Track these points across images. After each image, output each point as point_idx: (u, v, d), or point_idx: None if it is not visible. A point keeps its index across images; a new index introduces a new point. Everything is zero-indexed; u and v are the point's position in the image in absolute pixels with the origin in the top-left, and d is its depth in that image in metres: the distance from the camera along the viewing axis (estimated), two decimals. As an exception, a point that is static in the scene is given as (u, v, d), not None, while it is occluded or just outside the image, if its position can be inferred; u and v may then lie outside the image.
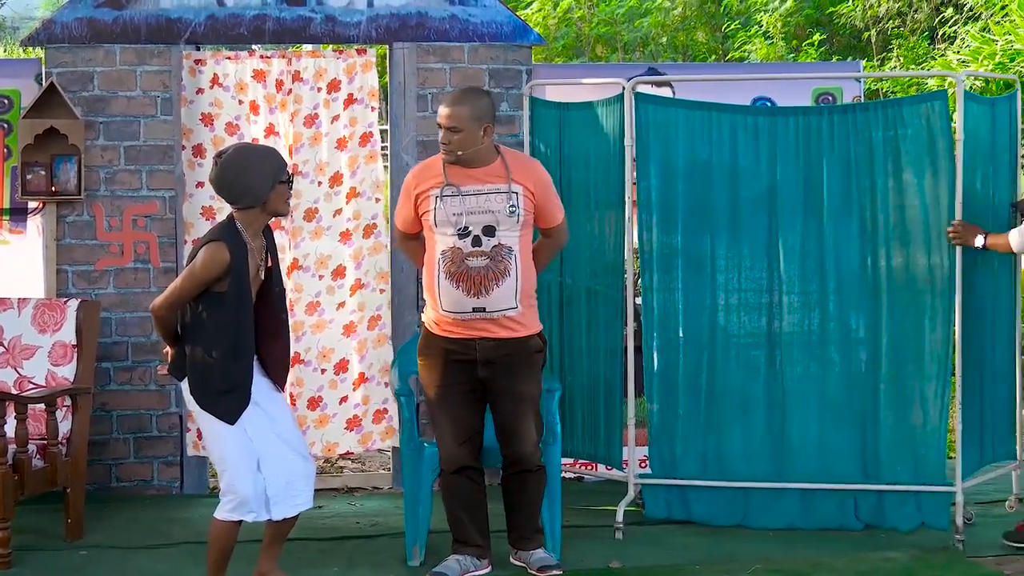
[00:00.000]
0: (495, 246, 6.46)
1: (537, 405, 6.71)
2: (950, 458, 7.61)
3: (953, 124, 7.35)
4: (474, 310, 6.47)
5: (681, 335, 7.71)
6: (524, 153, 6.82)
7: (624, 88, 7.63)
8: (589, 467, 8.29)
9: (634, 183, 7.62)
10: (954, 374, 7.38)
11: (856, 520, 7.54)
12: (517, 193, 6.51)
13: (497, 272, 6.45)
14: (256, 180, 5.92)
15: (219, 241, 5.87)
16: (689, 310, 7.69)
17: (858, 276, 7.53)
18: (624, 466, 7.82)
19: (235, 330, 5.93)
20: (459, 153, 6.49)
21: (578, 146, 7.89)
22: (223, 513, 6.00)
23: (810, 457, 7.60)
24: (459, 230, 6.47)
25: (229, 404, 5.94)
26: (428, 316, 6.69)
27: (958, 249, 7.27)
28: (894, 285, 7.48)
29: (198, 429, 8.30)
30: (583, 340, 7.92)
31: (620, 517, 7.49)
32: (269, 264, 6.12)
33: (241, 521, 6.02)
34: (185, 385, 6.00)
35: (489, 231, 6.46)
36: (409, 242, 6.88)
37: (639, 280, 7.74)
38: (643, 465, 7.96)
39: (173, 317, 5.92)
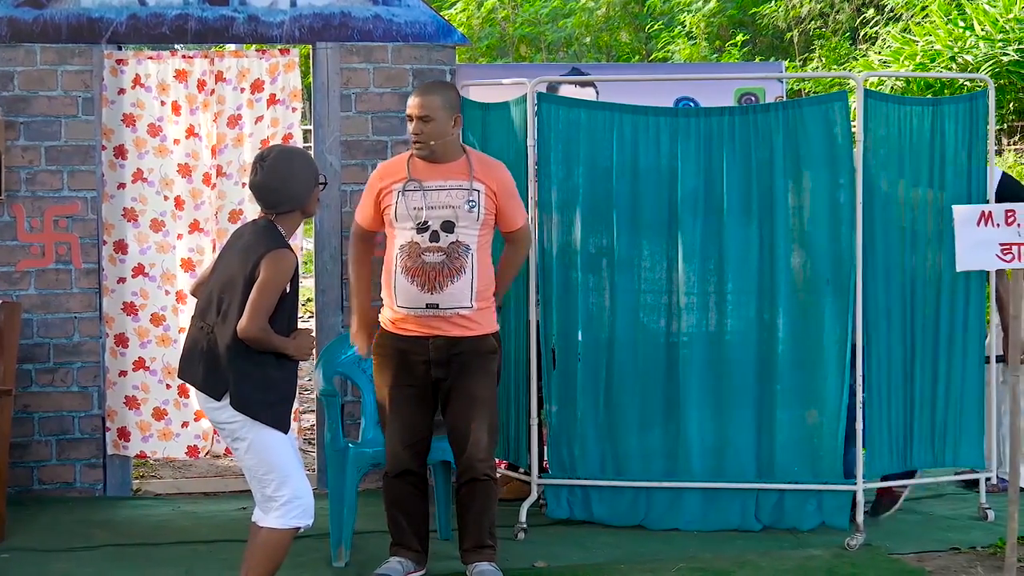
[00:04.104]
0: (453, 243, 6.43)
1: (492, 410, 6.60)
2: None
3: (854, 125, 7.43)
4: (427, 306, 6.43)
5: (580, 335, 7.72)
6: (488, 155, 6.79)
7: (528, 88, 7.65)
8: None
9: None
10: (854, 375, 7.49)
11: (756, 521, 7.59)
12: (479, 191, 6.49)
13: (452, 269, 6.42)
14: (301, 184, 5.85)
15: (281, 248, 5.74)
16: (588, 310, 7.70)
17: (756, 277, 7.58)
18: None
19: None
20: (432, 143, 6.46)
21: (496, 146, 7.90)
22: (286, 521, 5.77)
23: (708, 458, 7.65)
24: (418, 224, 6.44)
25: (285, 411, 5.82)
26: (384, 315, 6.65)
27: (858, 251, 7.35)
28: (792, 285, 7.55)
29: (118, 429, 8.28)
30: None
31: (523, 517, 7.51)
32: None
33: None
34: (219, 404, 5.73)
35: (448, 227, 6.43)
36: (361, 243, 6.81)
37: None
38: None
39: (268, 332, 5.66)
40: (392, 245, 6.57)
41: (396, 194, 6.53)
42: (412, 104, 6.52)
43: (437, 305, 6.44)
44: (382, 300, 6.69)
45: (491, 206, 6.55)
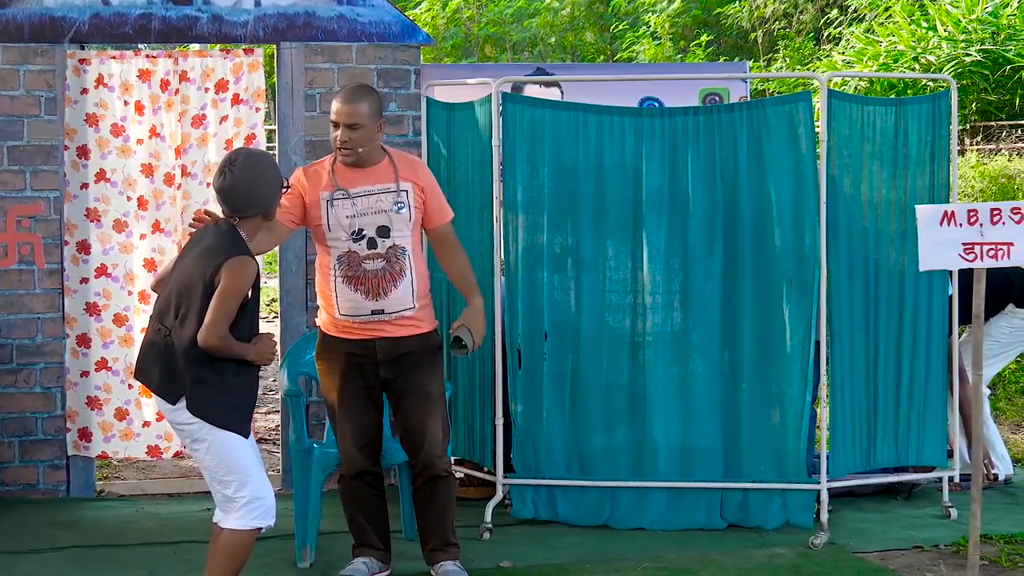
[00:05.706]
0: (390, 247, 6.37)
1: (443, 406, 6.60)
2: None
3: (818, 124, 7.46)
4: (372, 312, 6.39)
5: (546, 335, 7.72)
6: (407, 153, 6.76)
7: (493, 88, 7.65)
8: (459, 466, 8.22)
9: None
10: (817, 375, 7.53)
11: (721, 519, 7.61)
12: (406, 191, 6.42)
13: (393, 273, 6.37)
14: (268, 188, 5.82)
15: (243, 255, 5.68)
16: (554, 310, 7.71)
17: (721, 276, 7.60)
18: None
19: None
20: (360, 151, 6.36)
21: (461, 146, 7.90)
22: (247, 522, 5.74)
23: (674, 457, 7.66)
24: (353, 233, 6.37)
25: (243, 417, 5.77)
26: (324, 320, 6.60)
27: (822, 251, 7.39)
28: (756, 285, 7.57)
29: (79, 429, 8.25)
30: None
31: (488, 517, 7.51)
32: None
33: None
34: (176, 406, 5.67)
35: (383, 232, 6.37)
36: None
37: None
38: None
39: (227, 340, 5.60)
40: (326, 257, 6.47)
41: (324, 204, 6.42)
42: (339, 112, 6.36)
43: (383, 311, 6.39)
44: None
45: (420, 203, 6.47)
